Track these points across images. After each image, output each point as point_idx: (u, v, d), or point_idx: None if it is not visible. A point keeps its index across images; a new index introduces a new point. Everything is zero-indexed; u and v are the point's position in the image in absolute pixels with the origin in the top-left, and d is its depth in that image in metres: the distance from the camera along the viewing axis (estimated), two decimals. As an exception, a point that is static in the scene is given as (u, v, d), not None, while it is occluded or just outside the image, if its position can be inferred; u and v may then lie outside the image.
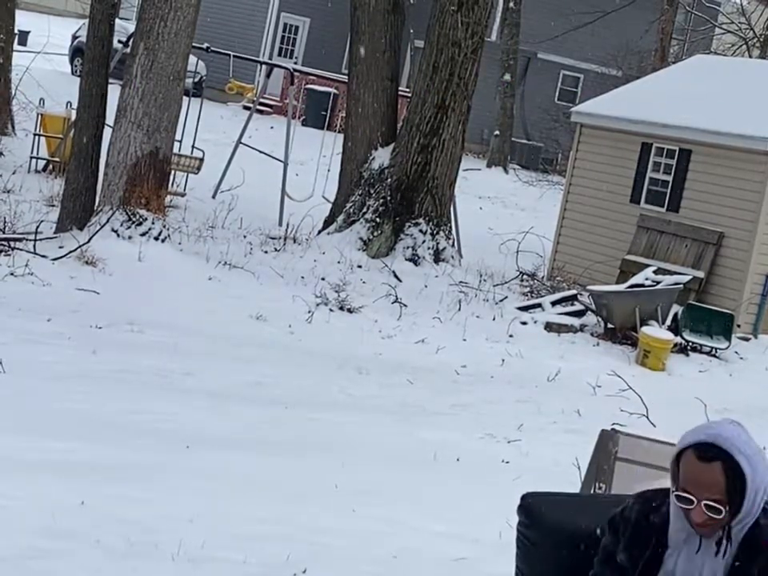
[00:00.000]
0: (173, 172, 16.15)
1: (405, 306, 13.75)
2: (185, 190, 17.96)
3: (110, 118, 13.68)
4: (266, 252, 15.07)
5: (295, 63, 34.16)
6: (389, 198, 16.10)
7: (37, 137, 18.18)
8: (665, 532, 3.33)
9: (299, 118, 30.99)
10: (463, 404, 10.51)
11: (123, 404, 8.30)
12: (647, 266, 16.00)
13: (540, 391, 11.61)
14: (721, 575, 3.24)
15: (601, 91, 25.51)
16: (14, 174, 16.26)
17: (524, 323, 14.40)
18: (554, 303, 15.31)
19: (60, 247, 12.63)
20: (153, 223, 13.28)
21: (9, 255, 12.11)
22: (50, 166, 18.20)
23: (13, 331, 9.79)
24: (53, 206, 14.89)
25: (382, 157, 16.47)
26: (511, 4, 33.62)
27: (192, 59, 15.57)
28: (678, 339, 14.54)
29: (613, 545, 3.40)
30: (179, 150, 17.39)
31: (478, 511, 6.87)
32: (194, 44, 14.39)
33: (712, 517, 3.19)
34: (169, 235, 13.58)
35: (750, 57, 32.72)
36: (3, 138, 19.09)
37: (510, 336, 13.69)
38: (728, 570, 3.24)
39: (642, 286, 14.98)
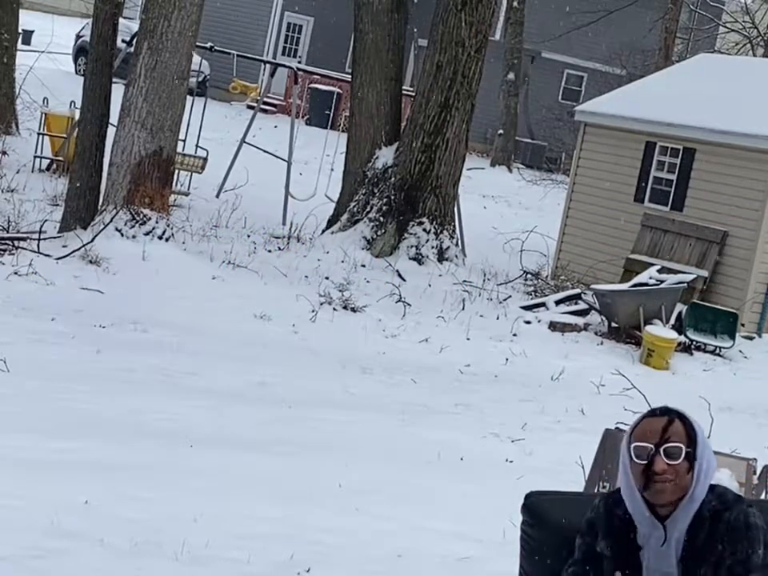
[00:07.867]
0: (176, 171, 16.16)
1: (409, 305, 13.75)
2: (188, 189, 17.96)
3: (114, 117, 13.69)
4: (269, 251, 15.07)
5: (299, 62, 34.14)
6: (392, 198, 16.09)
7: (41, 136, 18.18)
8: (635, 527, 3.38)
9: (303, 117, 30.98)
10: (467, 403, 10.50)
11: (127, 403, 8.30)
12: (651, 264, 15.97)
13: (544, 390, 11.61)
14: (676, 558, 3.32)
15: (605, 90, 25.53)
16: (17, 173, 16.25)
17: (528, 322, 14.39)
18: (557, 302, 15.30)
19: (64, 246, 12.63)
20: (156, 222, 13.28)
21: (13, 254, 12.12)
22: (54, 166, 18.21)
23: (17, 330, 9.80)
24: (57, 205, 14.89)
25: (385, 156, 16.46)
26: (515, 3, 33.60)
27: (196, 58, 15.58)
28: (682, 338, 14.52)
29: (592, 540, 3.45)
30: (183, 150, 17.40)
31: (482, 510, 6.87)
32: (197, 43, 14.39)
33: (671, 464, 3.26)
34: (173, 234, 13.58)
35: (754, 55, 32.70)
36: (7, 138, 19.10)
37: (514, 335, 13.68)
38: (682, 549, 3.32)
39: (646, 284, 14.96)
